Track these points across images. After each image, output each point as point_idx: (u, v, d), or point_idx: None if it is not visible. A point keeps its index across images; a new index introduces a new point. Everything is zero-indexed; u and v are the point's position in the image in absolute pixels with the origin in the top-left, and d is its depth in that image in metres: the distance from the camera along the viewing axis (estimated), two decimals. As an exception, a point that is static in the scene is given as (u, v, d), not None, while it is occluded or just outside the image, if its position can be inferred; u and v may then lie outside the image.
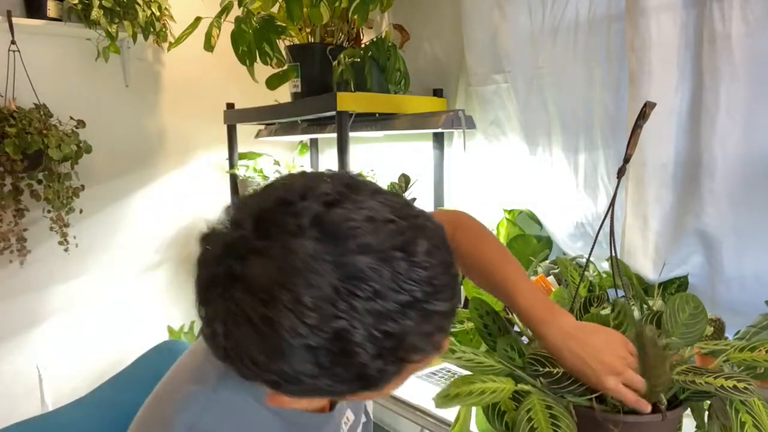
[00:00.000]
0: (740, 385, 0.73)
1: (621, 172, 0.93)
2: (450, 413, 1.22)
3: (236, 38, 1.89)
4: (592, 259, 1.16)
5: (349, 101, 1.77)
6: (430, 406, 1.26)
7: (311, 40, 1.94)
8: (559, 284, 1.54)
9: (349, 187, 0.52)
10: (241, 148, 2.34)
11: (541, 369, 0.82)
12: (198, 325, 2.18)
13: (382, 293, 0.47)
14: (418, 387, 1.40)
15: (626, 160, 0.92)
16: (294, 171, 0.53)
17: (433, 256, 0.50)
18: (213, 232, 0.55)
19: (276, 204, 0.51)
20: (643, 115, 0.87)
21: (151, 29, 2.16)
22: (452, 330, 1.01)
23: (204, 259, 0.54)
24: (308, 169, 2.33)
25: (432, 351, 0.52)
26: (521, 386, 0.84)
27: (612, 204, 0.92)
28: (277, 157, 2.34)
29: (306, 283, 0.47)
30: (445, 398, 0.81)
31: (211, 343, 0.54)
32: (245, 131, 2.34)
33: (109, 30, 2.07)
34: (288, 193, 0.51)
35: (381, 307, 0.47)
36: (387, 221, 0.50)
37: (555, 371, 0.82)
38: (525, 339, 1.00)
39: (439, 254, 0.51)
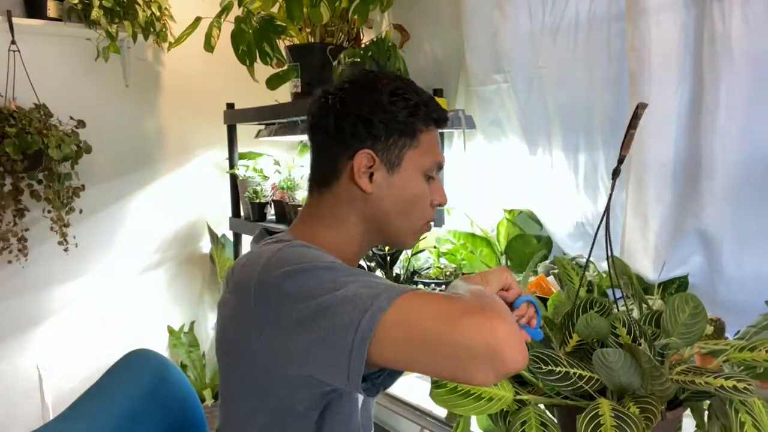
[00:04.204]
0: (740, 385, 0.74)
1: (615, 173, 0.93)
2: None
3: (236, 38, 1.89)
4: (592, 259, 1.16)
5: (349, 101, 1.76)
6: (430, 406, 1.26)
7: (311, 40, 1.94)
8: (560, 284, 1.54)
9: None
10: (241, 148, 2.34)
11: (543, 367, 0.83)
12: (198, 325, 2.17)
13: (415, 87, 0.95)
14: (419, 387, 1.40)
15: (620, 161, 0.92)
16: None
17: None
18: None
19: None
20: (635, 116, 0.88)
21: (151, 29, 2.16)
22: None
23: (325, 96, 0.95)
24: (308, 169, 2.33)
25: (438, 120, 0.96)
26: (520, 396, 0.84)
27: (608, 205, 0.92)
28: (277, 157, 2.34)
29: (382, 75, 0.95)
30: (440, 389, 0.82)
31: (333, 115, 0.92)
32: (245, 131, 2.34)
33: (109, 30, 2.07)
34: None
35: (413, 86, 0.95)
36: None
37: (557, 370, 0.83)
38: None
39: None
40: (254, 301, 0.79)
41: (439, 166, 0.98)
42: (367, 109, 0.91)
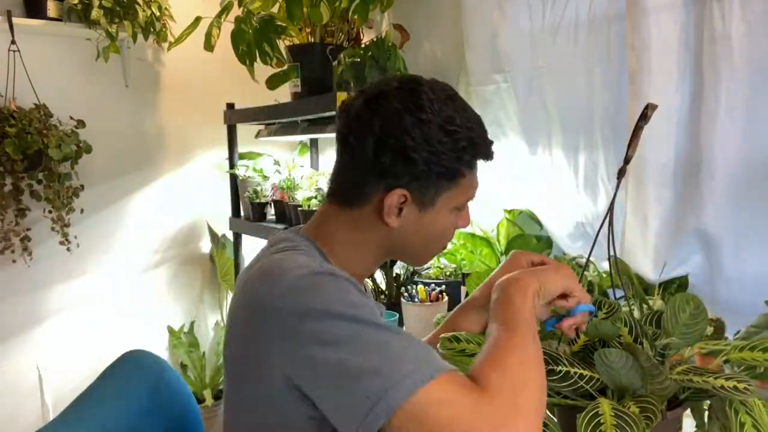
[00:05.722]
0: (740, 385, 0.74)
1: (621, 173, 0.93)
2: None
3: (236, 38, 1.89)
4: (592, 259, 1.16)
5: (349, 101, 1.76)
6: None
7: (311, 40, 1.94)
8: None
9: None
10: (241, 148, 2.34)
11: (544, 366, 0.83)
12: (198, 325, 2.17)
13: (465, 108, 0.87)
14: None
15: (627, 160, 0.92)
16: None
17: None
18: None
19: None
20: (644, 117, 0.88)
21: (151, 29, 2.16)
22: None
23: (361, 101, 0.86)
24: (308, 169, 2.34)
25: (486, 156, 0.90)
26: None
27: (612, 205, 0.92)
28: (277, 157, 2.34)
29: (432, 91, 0.84)
30: (450, 350, 0.84)
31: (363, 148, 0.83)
32: (245, 131, 2.34)
33: (109, 30, 2.07)
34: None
35: (466, 112, 0.86)
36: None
37: (558, 369, 0.82)
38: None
39: None
40: (269, 328, 0.75)
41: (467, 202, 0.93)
42: (412, 144, 0.81)
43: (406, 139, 0.81)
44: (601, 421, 0.74)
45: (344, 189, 0.88)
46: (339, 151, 0.89)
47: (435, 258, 1.92)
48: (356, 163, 0.85)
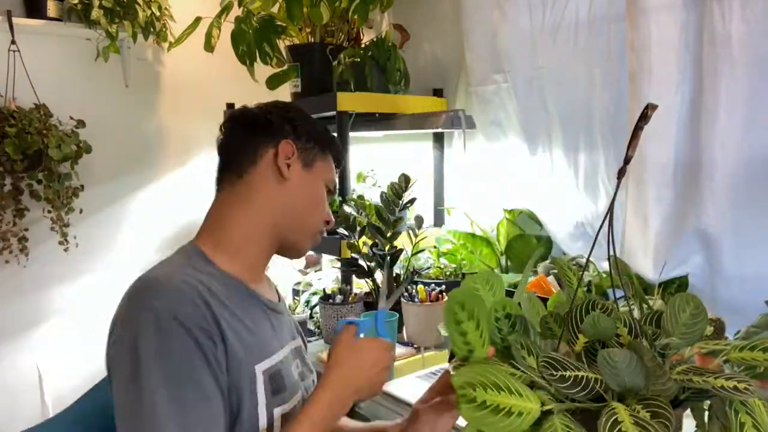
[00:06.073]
0: (740, 386, 0.73)
1: (621, 173, 0.93)
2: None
3: (236, 38, 1.89)
4: (592, 259, 1.16)
5: (349, 101, 1.77)
6: (430, 406, 1.26)
7: (311, 40, 1.94)
8: (559, 284, 1.54)
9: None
10: (241, 148, 2.34)
11: (555, 373, 0.81)
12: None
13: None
14: (418, 387, 1.40)
15: (627, 161, 0.91)
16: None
17: None
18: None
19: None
20: (644, 117, 0.87)
21: (151, 29, 2.16)
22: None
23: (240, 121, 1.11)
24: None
25: (338, 154, 1.11)
26: (547, 407, 0.80)
27: (612, 205, 0.92)
28: (277, 157, 2.34)
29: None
30: (471, 403, 0.75)
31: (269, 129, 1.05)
32: (245, 131, 2.34)
33: (109, 30, 2.07)
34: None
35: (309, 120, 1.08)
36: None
37: (568, 375, 0.81)
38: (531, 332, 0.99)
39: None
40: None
41: (333, 190, 1.11)
42: (293, 115, 1.05)
43: (290, 113, 1.05)
44: (623, 428, 0.72)
45: (235, 163, 1.06)
46: (225, 139, 1.12)
47: (435, 258, 1.91)
48: (246, 132, 1.05)
